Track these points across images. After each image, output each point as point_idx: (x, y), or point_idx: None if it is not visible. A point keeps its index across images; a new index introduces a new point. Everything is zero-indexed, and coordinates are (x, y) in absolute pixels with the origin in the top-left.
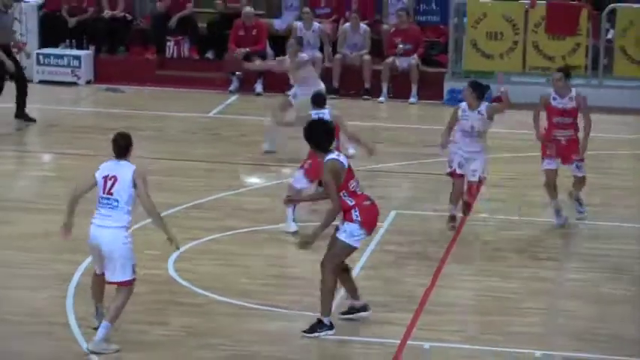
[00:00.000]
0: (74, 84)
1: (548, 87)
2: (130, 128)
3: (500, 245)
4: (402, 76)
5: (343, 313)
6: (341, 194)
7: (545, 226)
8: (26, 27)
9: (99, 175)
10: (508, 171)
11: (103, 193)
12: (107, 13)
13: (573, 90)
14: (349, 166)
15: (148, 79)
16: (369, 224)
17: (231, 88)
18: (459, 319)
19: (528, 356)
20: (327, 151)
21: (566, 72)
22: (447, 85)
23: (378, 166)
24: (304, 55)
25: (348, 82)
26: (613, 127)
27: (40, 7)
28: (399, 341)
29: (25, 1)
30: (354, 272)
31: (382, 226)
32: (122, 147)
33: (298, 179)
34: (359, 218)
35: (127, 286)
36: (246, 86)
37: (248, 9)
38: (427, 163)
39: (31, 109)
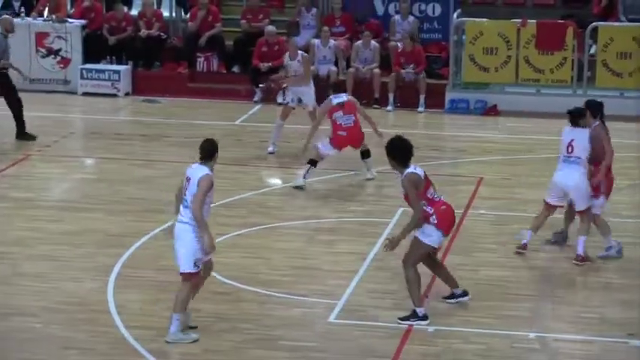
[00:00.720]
0: (114, 95)
1: (538, 97)
2: (164, 135)
3: (495, 238)
4: (407, 87)
5: (445, 297)
6: (422, 203)
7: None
8: (71, 45)
9: (184, 176)
10: (503, 172)
11: (183, 192)
12: (144, 32)
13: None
14: (426, 176)
15: (180, 91)
16: (445, 226)
17: (255, 98)
18: (459, 305)
19: (523, 337)
20: (406, 165)
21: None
22: (449, 96)
23: (389, 167)
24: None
25: (360, 93)
26: None
27: (84, 27)
28: (406, 325)
29: (70, 22)
30: (365, 264)
31: (391, 221)
32: (205, 151)
33: (325, 145)
34: (435, 221)
35: (187, 278)
36: (268, 97)
37: (270, 28)
38: (432, 165)
39: (75, 118)
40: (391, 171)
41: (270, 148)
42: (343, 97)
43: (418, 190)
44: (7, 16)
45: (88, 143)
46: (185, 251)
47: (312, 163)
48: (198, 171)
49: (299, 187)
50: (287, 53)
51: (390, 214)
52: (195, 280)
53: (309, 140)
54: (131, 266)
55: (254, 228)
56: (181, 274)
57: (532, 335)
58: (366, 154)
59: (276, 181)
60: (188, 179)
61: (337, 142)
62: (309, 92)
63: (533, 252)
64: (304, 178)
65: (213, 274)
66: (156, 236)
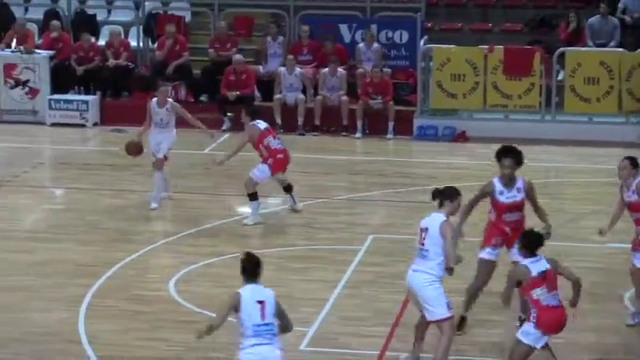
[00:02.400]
0: (82, 126)
1: (507, 122)
2: (134, 165)
3: (464, 265)
4: (375, 114)
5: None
6: None
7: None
8: (39, 75)
9: (419, 226)
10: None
11: (418, 243)
12: (111, 62)
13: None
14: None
15: None
16: None
17: (224, 127)
18: (429, 331)
19: None
20: None
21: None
22: (417, 122)
23: (359, 195)
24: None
25: (328, 120)
26: (564, 158)
27: (52, 57)
28: (377, 352)
29: (37, 53)
30: (336, 291)
31: (362, 249)
32: (435, 197)
33: (261, 170)
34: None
35: (444, 322)
36: (236, 126)
37: (238, 56)
38: (401, 192)
39: (43, 149)
40: (360, 198)
41: (154, 205)
42: (264, 123)
43: None
44: None
45: (57, 173)
46: (430, 298)
47: (254, 197)
48: (434, 220)
49: (256, 223)
50: (155, 99)
51: (360, 242)
52: (450, 323)
53: (228, 158)
54: (101, 296)
55: (223, 257)
56: (437, 321)
57: None
58: (289, 188)
59: (244, 210)
60: (424, 230)
61: (278, 166)
62: (167, 140)
63: (499, 277)
64: (255, 214)
65: (184, 303)
66: (125, 265)
